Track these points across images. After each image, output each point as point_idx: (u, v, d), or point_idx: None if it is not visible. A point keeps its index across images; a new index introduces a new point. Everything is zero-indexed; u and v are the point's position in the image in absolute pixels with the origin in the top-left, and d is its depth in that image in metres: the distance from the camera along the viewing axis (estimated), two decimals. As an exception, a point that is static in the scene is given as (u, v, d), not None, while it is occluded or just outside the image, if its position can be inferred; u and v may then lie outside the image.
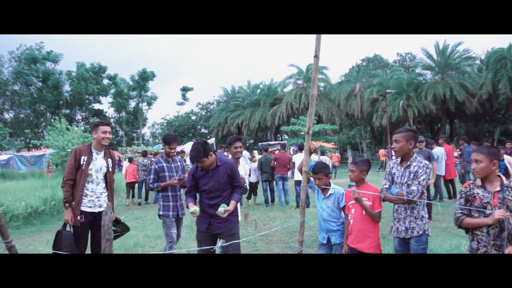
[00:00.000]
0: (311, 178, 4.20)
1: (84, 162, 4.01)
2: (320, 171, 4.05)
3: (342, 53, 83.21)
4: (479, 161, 2.91)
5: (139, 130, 51.60)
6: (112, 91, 48.79)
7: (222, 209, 3.75)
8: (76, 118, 48.86)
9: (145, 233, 7.47)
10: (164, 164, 5.14)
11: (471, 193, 2.97)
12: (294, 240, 6.73)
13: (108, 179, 4.24)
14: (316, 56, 3.86)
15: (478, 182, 2.97)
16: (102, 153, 4.22)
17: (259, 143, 36.49)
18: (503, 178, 2.93)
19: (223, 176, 3.93)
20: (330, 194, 4.04)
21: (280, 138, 44.92)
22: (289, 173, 12.53)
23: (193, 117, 58.93)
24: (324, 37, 3.82)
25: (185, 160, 13.36)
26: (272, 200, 11.48)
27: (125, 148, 33.86)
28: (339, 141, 41.76)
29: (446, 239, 6.24)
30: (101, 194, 4.18)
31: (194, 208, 3.84)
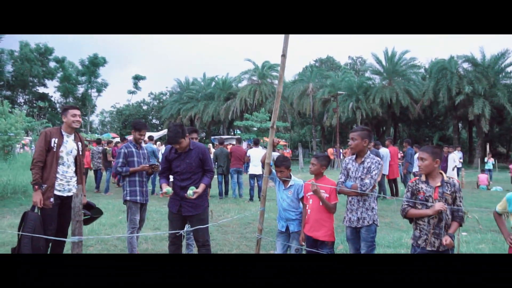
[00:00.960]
0: (273, 171, 4.45)
1: (55, 144, 3.99)
2: (282, 164, 4.31)
3: (296, 53, 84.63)
4: (424, 159, 3.31)
5: (87, 117, 49.62)
6: (59, 74, 46.37)
7: (191, 191, 3.96)
8: (18, 101, 46.05)
9: (99, 221, 7.38)
10: (133, 149, 5.18)
11: (416, 187, 3.37)
12: (249, 230, 7.00)
13: (78, 162, 4.25)
14: (284, 55, 4.07)
15: (423, 177, 3.38)
16: (72, 136, 4.21)
17: (212, 137, 36.48)
18: (444, 175, 3.36)
19: (195, 160, 4.19)
20: (290, 185, 4.31)
21: (232, 133, 45.16)
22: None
23: (145, 107, 57.59)
24: (280, 35, 4.03)
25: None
26: (226, 193, 11.69)
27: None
28: (290, 139, 42.69)
29: (389, 233, 6.77)
30: (71, 178, 4.17)
31: (167, 188, 4.07)
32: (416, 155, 6.71)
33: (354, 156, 4.13)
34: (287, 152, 24.64)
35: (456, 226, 3.23)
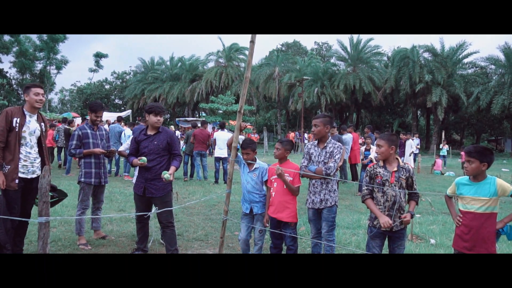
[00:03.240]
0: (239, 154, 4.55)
1: (17, 124, 3.87)
2: (248, 147, 4.42)
3: (262, 36, 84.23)
4: (381, 146, 3.54)
5: (46, 96, 47.48)
6: (14, 49, 43.83)
7: (166, 174, 4.12)
8: (-31, 76, 43.33)
9: (61, 203, 7.27)
10: (89, 131, 5.10)
11: (374, 172, 3.59)
12: (214, 212, 7.11)
13: (43, 143, 4.15)
14: (252, 42, 4.13)
15: (381, 163, 3.60)
16: (35, 116, 4.09)
17: (176, 119, 36.06)
18: (400, 160, 3.60)
19: (163, 142, 4.35)
20: (255, 168, 4.43)
21: (197, 115, 44.77)
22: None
23: (107, 86, 55.81)
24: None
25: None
26: (191, 175, 11.72)
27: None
28: (256, 122, 42.92)
29: (349, 215, 7.08)
30: (34, 160, 4.07)
31: (142, 158, 4.23)
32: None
33: (316, 141, 4.30)
34: (255, 137, 24.79)
35: (413, 205, 3.52)
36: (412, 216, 3.45)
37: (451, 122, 40.61)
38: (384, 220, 3.38)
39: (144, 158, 4.25)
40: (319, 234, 4.20)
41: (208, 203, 7.81)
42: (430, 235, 5.80)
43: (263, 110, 48.75)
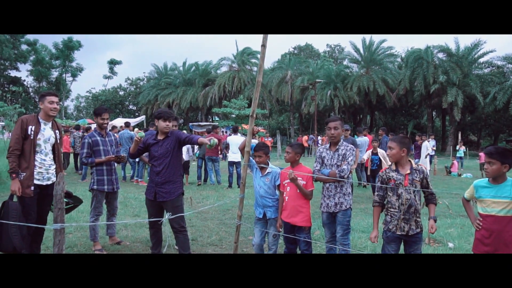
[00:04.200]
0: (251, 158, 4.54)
1: (32, 132, 3.93)
2: (261, 150, 4.41)
3: (275, 39, 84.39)
4: (392, 148, 3.50)
5: (61, 103, 48.35)
6: (31, 58, 44.76)
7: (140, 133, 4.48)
8: (-11, 85, 44.41)
9: (77, 209, 7.36)
10: (98, 138, 5.11)
11: (387, 176, 3.54)
12: (228, 217, 7.10)
13: (57, 151, 4.20)
14: (264, 46, 4.13)
15: (393, 166, 3.55)
16: (49, 124, 4.15)
17: (190, 123, 36.27)
18: (413, 162, 3.54)
19: (171, 144, 4.45)
20: (267, 172, 4.41)
21: (211, 120, 44.97)
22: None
23: (121, 93, 56.54)
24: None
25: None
26: (205, 180, 11.75)
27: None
28: (269, 126, 42.91)
29: (364, 218, 7.00)
30: (49, 167, 4.13)
31: (140, 133, 4.49)
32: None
33: (328, 144, 4.26)
34: (269, 141, 24.69)
35: (433, 209, 3.47)
36: (435, 221, 3.39)
37: (468, 123, 39.94)
38: (372, 236, 3.55)
39: (142, 133, 4.48)
40: (334, 238, 4.15)
41: (222, 207, 7.81)
42: (448, 238, 5.69)
43: (276, 114, 48.71)
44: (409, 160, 3.55)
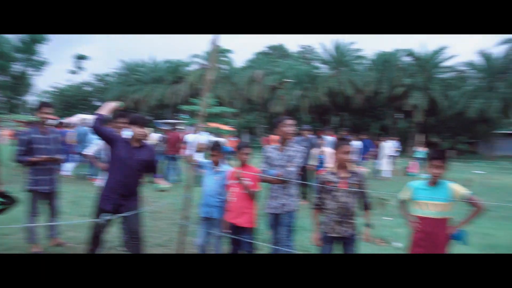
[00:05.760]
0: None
1: None
2: (216, 149, 4.38)
3: (249, 38, 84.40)
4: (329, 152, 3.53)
5: (22, 97, 46.49)
6: (-8, 50, 42.72)
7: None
8: None
9: (22, 208, 7.05)
10: (38, 135, 4.67)
11: (325, 179, 3.55)
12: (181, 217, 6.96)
13: None
14: (215, 45, 4.11)
15: (333, 170, 3.58)
16: None
17: (154, 120, 35.64)
18: (351, 165, 3.56)
19: (145, 159, 4.04)
20: (219, 171, 4.37)
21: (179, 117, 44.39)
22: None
23: (88, 88, 54.99)
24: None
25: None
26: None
27: (6, 116, 30.33)
28: (239, 125, 42.73)
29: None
30: None
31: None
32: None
33: (277, 145, 4.24)
34: (235, 140, 24.40)
35: (368, 214, 3.48)
36: (369, 227, 3.45)
37: (430, 125, 41.12)
38: (314, 238, 3.61)
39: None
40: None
41: (177, 206, 7.66)
42: (397, 238, 5.79)
43: (245, 112, 48.58)
44: (349, 164, 3.56)
